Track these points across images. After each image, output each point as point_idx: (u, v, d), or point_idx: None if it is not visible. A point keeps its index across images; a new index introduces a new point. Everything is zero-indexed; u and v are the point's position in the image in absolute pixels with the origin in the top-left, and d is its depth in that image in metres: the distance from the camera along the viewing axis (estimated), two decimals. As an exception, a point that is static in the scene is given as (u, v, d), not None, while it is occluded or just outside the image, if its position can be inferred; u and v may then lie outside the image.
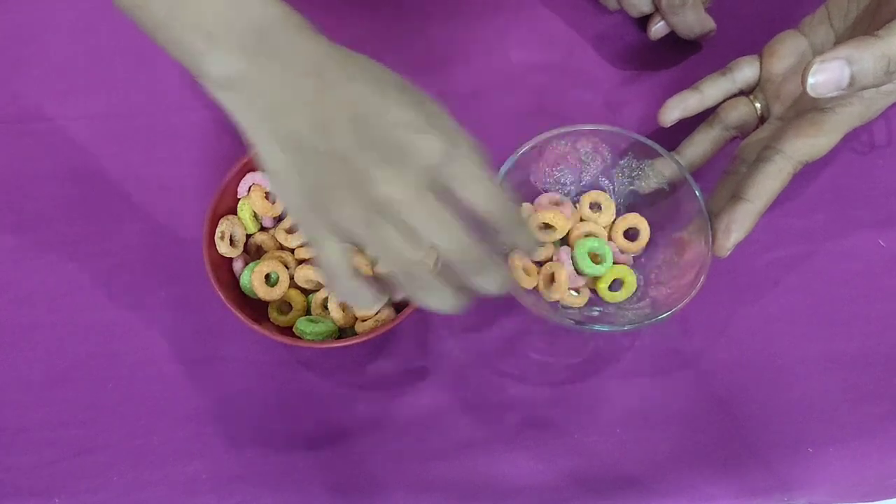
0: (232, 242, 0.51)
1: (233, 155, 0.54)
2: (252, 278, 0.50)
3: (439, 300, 0.40)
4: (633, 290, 0.53)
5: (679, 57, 0.62)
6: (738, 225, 0.49)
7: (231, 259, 0.52)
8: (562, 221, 0.52)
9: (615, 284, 0.53)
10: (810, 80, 0.44)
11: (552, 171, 0.55)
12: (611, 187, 0.56)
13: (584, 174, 0.56)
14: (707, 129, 0.55)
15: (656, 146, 0.53)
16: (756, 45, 0.56)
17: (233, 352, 0.53)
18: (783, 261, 0.56)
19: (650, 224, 0.54)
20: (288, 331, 0.51)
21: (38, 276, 0.55)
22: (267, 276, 0.51)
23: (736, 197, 0.50)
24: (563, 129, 0.53)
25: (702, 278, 0.50)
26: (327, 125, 0.38)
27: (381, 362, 0.54)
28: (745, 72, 0.55)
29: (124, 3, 0.40)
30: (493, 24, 0.63)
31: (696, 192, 0.51)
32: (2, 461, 0.52)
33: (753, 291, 0.55)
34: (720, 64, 0.56)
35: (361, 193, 0.37)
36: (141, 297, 0.55)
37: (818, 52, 0.53)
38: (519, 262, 0.52)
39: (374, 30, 0.62)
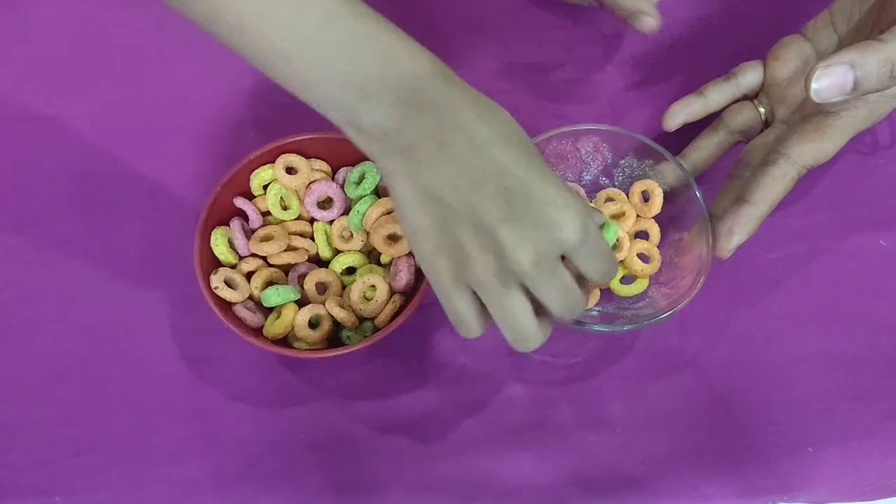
0: (231, 285, 0.51)
1: (232, 154, 0.54)
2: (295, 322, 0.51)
3: (535, 343, 0.42)
4: (646, 285, 0.52)
5: (682, 58, 0.62)
6: (740, 227, 0.49)
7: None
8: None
9: (626, 279, 0.53)
10: (814, 85, 0.44)
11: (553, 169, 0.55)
12: (611, 187, 0.56)
13: (585, 173, 0.56)
14: (711, 133, 0.55)
15: (657, 146, 0.53)
16: (760, 49, 0.56)
17: (233, 352, 0.53)
18: (783, 261, 0.56)
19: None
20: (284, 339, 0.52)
21: (38, 275, 0.55)
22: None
23: (740, 200, 0.50)
24: (563, 129, 0.53)
25: (701, 280, 0.50)
26: (475, 189, 0.38)
27: (381, 362, 0.54)
28: (749, 76, 0.55)
29: (264, 61, 0.40)
30: (496, 22, 0.63)
31: (698, 194, 0.51)
32: (2, 460, 0.52)
33: (753, 291, 0.55)
34: (724, 68, 0.56)
35: (497, 259, 0.39)
36: (141, 296, 0.55)
37: (822, 56, 0.53)
38: None
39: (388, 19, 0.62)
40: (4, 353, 0.54)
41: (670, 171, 0.53)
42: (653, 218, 0.54)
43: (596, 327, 0.50)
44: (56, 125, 0.59)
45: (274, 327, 0.50)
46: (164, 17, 0.62)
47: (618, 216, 0.53)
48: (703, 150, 0.55)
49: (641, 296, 0.53)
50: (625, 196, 0.54)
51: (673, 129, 0.55)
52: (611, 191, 0.55)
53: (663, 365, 0.54)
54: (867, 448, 0.52)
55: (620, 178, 0.56)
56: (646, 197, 0.54)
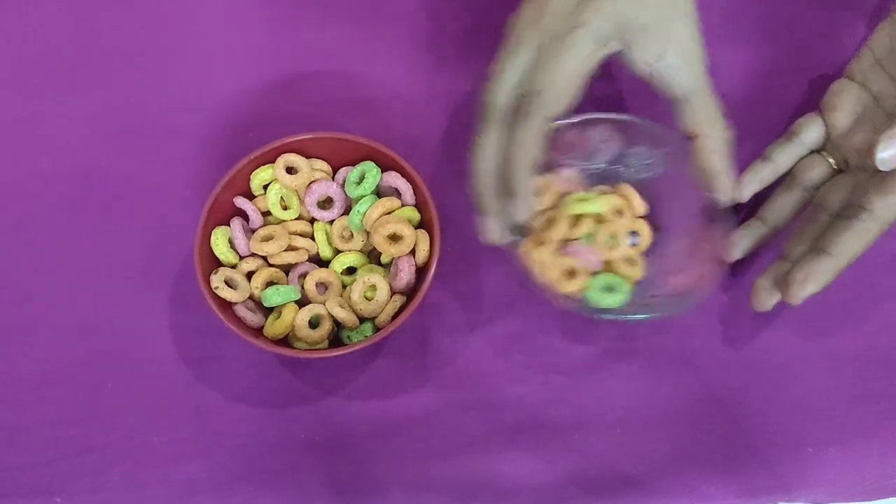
0: (231, 285, 0.51)
1: (232, 154, 0.54)
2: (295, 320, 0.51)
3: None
4: (625, 296, 0.51)
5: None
6: (816, 277, 0.48)
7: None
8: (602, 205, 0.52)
9: (609, 287, 0.52)
10: (881, 155, 0.44)
11: (563, 158, 0.55)
12: (624, 175, 0.56)
13: (595, 162, 0.56)
14: (786, 192, 0.54)
15: (668, 132, 0.53)
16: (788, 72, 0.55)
17: (233, 352, 0.53)
18: (783, 261, 0.56)
19: (668, 214, 0.54)
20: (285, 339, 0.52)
21: (38, 275, 0.55)
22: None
23: (820, 250, 0.49)
24: (574, 118, 0.53)
25: (718, 271, 0.50)
26: None
27: (381, 362, 0.54)
28: (811, 132, 0.53)
29: None
30: (507, 10, 0.63)
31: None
32: (2, 460, 0.52)
33: (754, 291, 0.55)
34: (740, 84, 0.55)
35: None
36: (141, 297, 0.55)
37: (877, 95, 0.52)
38: (537, 255, 0.52)
39: (388, 19, 0.62)
40: (4, 353, 0.54)
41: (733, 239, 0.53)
42: (665, 206, 0.54)
43: (608, 316, 0.50)
44: (56, 125, 0.59)
45: (274, 327, 0.50)
46: (164, 18, 0.62)
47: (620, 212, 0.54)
48: (781, 210, 0.53)
49: (661, 284, 0.53)
50: (631, 191, 0.54)
51: (746, 199, 0.53)
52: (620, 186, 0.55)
53: (663, 365, 0.54)
54: (867, 448, 0.52)
55: (630, 167, 0.56)
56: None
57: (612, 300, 0.51)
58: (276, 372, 0.53)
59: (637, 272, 0.53)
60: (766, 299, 0.50)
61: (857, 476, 0.52)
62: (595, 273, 0.52)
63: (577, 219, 0.52)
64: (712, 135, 0.49)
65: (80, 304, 0.55)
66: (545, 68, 0.47)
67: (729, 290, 0.55)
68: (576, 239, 0.52)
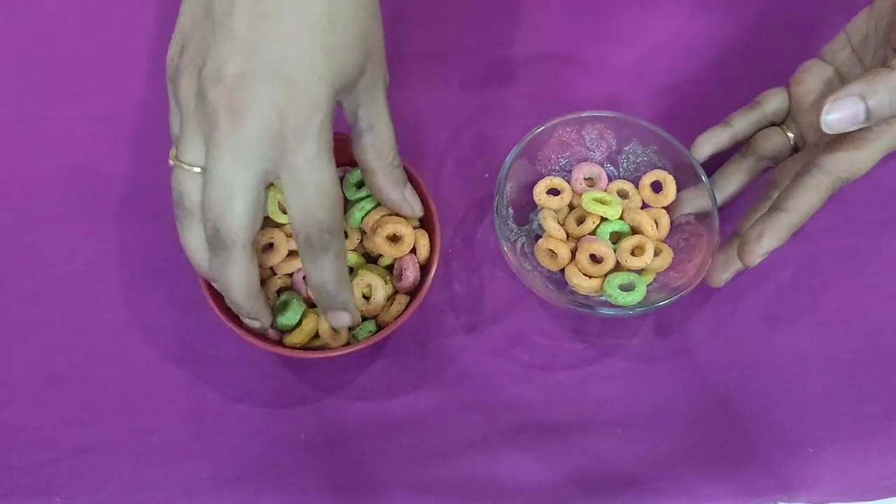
0: None
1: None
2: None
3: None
4: (643, 295, 0.51)
5: (690, 55, 0.62)
6: (771, 232, 0.48)
7: None
8: (614, 207, 0.52)
9: (626, 286, 0.52)
10: (825, 118, 0.44)
11: (557, 157, 0.56)
12: (616, 173, 0.56)
13: (590, 160, 0.56)
14: (740, 159, 0.55)
15: (661, 131, 0.53)
16: (781, 76, 0.56)
17: (233, 352, 0.53)
18: (783, 261, 0.56)
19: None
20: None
21: (38, 275, 0.55)
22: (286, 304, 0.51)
23: (773, 207, 0.49)
24: (568, 116, 0.53)
25: (709, 262, 0.50)
26: None
27: (381, 362, 0.54)
28: (774, 103, 0.54)
29: None
30: (503, 10, 0.63)
31: (704, 179, 0.52)
32: (2, 460, 0.52)
33: (753, 291, 0.55)
34: (728, 78, 0.56)
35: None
36: (141, 297, 0.55)
37: (844, 75, 0.53)
38: (544, 244, 0.52)
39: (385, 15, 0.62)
40: (4, 353, 0.54)
41: (700, 195, 0.53)
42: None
43: (602, 311, 0.50)
44: (56, 126, 0.59)
45: (293, 337, 0.50)
46: (164, 18, 0.62)
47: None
48: (732, 175, 0.55)
49: (656, 280, 0.53)
50: (672, 180, 0.54)
51: (702, 161, 0.54)
52: (658, 172, 0.55)
53: (663, 365, 0.54)
54: (867, 448, 0.52)
55: (625, 164, 0.56)
56: (656, 188, 0.54)
57: (629, 298, 0.51)
58: (276, 372, 0.53)
59: (651, 276, 0.53)
60: (721, 273, 0.52)
61: (857, 476, 0.52)
62: (611, 271, 0.52)
63: (595, 217, 0.53)
64: (382, 170, 0.47)
65: (80, 303, 0.55)
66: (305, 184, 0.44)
67: (729, 290, 0.55)
68: (592, 234, 0.53)
